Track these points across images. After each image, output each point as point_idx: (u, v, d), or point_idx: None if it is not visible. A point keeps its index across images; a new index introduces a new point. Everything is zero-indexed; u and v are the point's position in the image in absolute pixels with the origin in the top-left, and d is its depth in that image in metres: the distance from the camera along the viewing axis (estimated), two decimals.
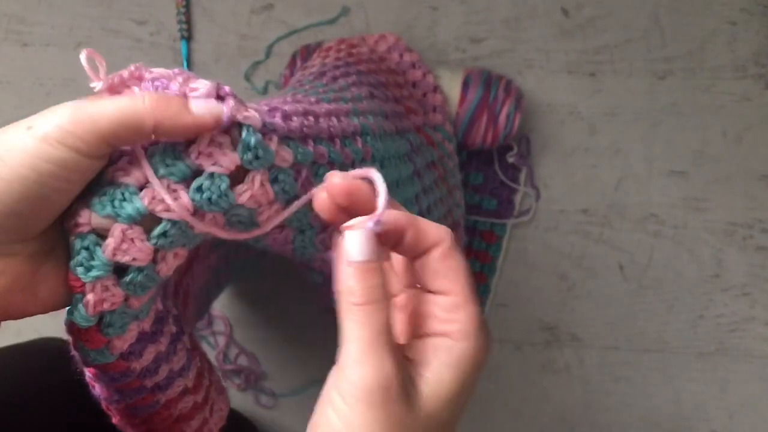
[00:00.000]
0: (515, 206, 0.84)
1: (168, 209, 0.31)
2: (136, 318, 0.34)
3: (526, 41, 0.83)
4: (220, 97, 0.31)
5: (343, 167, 0.41)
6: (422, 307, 0.31)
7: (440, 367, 0.30)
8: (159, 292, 0.38)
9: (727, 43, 0.82)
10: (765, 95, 0.82)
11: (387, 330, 0.29)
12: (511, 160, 0.82)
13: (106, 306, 0.32)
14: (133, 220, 0.31)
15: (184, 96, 0.30)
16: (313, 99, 0.47)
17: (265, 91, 0.84)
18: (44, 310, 0.32)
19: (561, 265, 0.84)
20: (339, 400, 0.28)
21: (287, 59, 0.80)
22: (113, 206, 0.30)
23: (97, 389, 0.38)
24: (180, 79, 0.31)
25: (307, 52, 0.77)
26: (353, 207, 0.31)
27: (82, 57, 0.30)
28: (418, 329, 0.31)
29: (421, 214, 0.61)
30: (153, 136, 0.30)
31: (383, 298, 0.29)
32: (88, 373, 0.37)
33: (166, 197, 0.31)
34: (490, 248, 0.84)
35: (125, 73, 0.31)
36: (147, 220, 0.31)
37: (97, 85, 0.30)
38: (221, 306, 0.85)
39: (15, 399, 0.61)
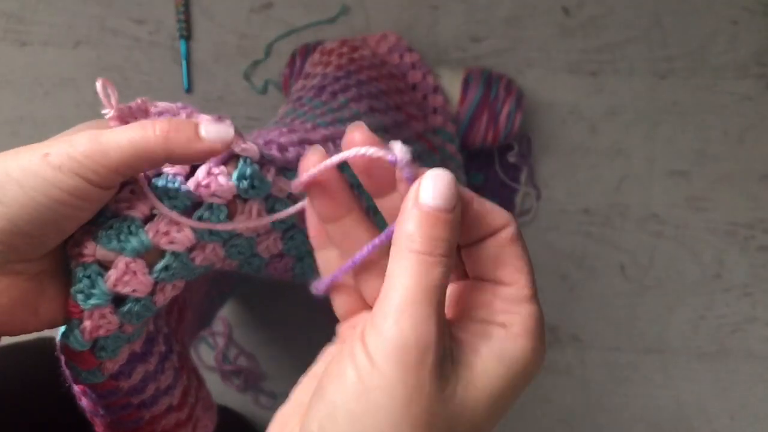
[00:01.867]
0: (516, 206, 0.84)
1: (172, 242, 0.32)
2: (128, 341, 0.35)
3: (526, 40, 0.83)
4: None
5: None
6: (476, 295, 0.27)
7: (490, 358, 0.25)
8: (152, 315, 0.38)
9: (729, 43, 0.82)
10: (766, 95, 0.82)
11: (442, 291, 0.25)
12: (511, 159, 0.82)
13: (101, 332, 0.33)
14: (138, 254, 0.32)
15: (194, 121, 0.30)
16: (309, 126, 0.48)
17: (264, 90, 0.84)
18: (42, 328, 0.32)
19: (562, 266, 0.84)
20: (362, 355, 0.24)
21: (287, 58, 0.79)
22: (119, 240, 0.31)
23: (84, 402, 0.39)
24: (183, 114, 0.33)
25: (306, 51, 0.77)
26: (370, 177, 0.28)
27: (98, 86, 0.31)
28: (469, 312, 0.27)
29: None
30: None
31: (447, 255, 0.25)
32: (76, 388, 0.37)
33: (173, 229, 0.32)
34: None
35: (133, 105, 0.32)
36: (150, 254, 0.32)
37: (109, 112, 0.31)
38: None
39: (15, 398, 0.61)
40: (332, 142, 0.45)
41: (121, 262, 0.31)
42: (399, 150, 0.26)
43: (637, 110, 0.83)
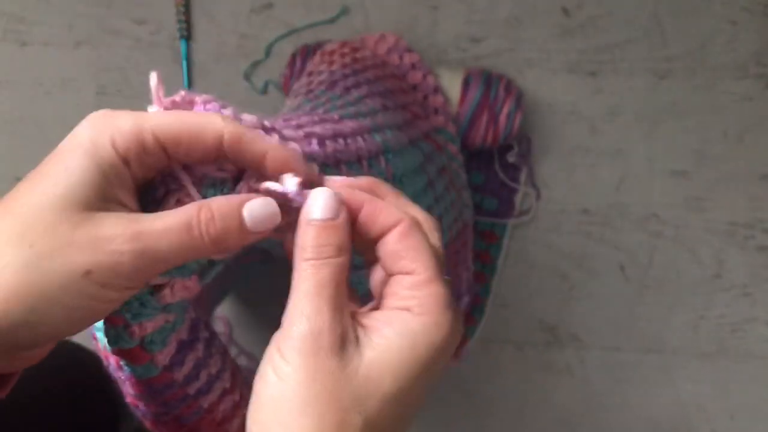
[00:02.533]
0: (516, 206, 0.84)
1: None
2: (173, 330, 0.35)
3: (526, 41, 0.83)
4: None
5: None
6: (388, 288, 0.30)
7: (391, 335, 0.28)
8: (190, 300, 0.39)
9: (728, 43, 0.82)
10: (766, 95, 0.82)
11: (333, 285, 0.28)
12: (511, 159, 0.82)
13: (149, 330, 0.33)
14: (194, 272, 0.32)
15: (240, 209, 0.29)
16: (336, 116, 0.48)
17: (264, 90, 0.84)
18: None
19: (561, 266, 0.84)
20: (276, 354, 0.28)
21: (287, 59, 0.79)
22: (177, 268, 0.31)
23: (142, 408, 0.39)
24: (228, 112, 0.32)
25: (306, 52, 0.77)
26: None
27: (152, 79, 0.32)
28: (382, 303, 0.30)
29: None
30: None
31: (336, 255, 0.29)
32: (131, 392, 0.38)
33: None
34: (490, 248, 0.84)
35: (178, 99, 0.32)
36: (202, 266, 0.32)
37: (153, 108, 0.31)
38: (221, 307, 0.84)
39: (15, 399, 0.61)
40: (361, 137, 0.46)
41: (177, 284, 0.31)
42: (288, 183, 0.30)
43: (636, 110, 0.83)
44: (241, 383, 0.47)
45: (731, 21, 0.82)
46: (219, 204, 0.29)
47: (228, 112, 0.32)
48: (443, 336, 0.28)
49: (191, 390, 0.39)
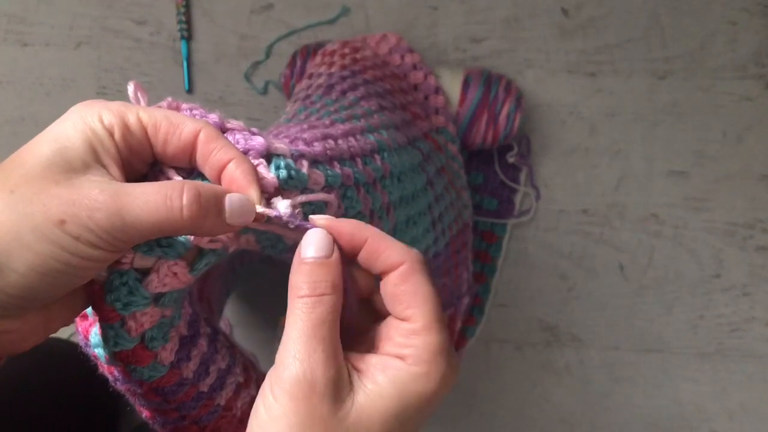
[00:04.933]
0: (515, 206, 0.84)
1: (214, 240, 0.32)
2: (172, 325, 0.35)
3: (526, 41, 0.83)
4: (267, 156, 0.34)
5: (368, 186, 0.44)
6: (384, 330, 0.31)
7: (383, 382, 0.29)
8: (186, 294, 0.38)
9: (728, 43, 0.82)
10: (765, 95, 0.82)
11: (327, 325, 0.29)
12: (511, 160, 0.82)
13: (147, 325, 0.33)
14: (180, 256, 0.32)
15: (223, 196, 0.30)
16: (327, 121, 0.49)
17: (264, 91, 0.84)
18: (52, 333, 0.32)
19: (561, 265, 0.84)
20: (270, 395, 0.28)
21: (287, 59, 0.80)
22: (160, 245, 0.31)
23: (159, 420, 0.39)
24: (196, 114, 0.33)
25: (307, 52, 0.77)
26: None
27: (130, 89, 0.32)
28: (376, 346, 0.31)
29: (433, 222, 0.63)
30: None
31: (329, 292, 0.29)
32: (145, 404, 0.37)
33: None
34: (490, 248, 0.84)
35: (164, 105, 0.33)
36: (190, 253, 0.32)
37: None
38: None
39: (15, 398, 0.61)
40: (353, 137, 0.47)
41: (163, 266, 0.31)
42: (281, 206, 0.31)
43: (636, 111, 0.83)
44: (256, 377, 0.46)
45: (731, 21, 0.82)
46: (205, 186, 0.30)
47: (214, 117, 0.33)
48: (433, 387, 0.29)
49: (203, 387, 0.39)
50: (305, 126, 0.45)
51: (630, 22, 0.83)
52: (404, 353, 0.29)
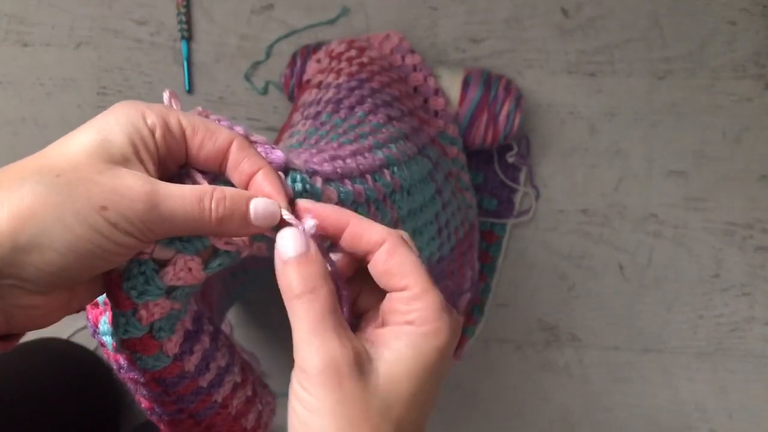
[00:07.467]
0: (515, 206, 0.84)
1: (229, 242, 0.34)
2: (179, 318, 0.37)
3: (526, 41, 0.83)
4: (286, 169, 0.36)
5: (378, 203, 0.46)
6: (387, 304, 0.32)
7: (400, 347, 0.31)
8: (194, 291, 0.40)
9: (727, 43, 0.82)
10: (765, 95, 0.82)
11: (330, 313, 0.30)
12: (511, 159, 0.82)
13: (157, 316, 0.34)
14: (197, 252, 0.33)
15: (248, 200, 0.32)
16: (335, 144, 0.52)
17: (265, 91, 0.84)
18: (73, 312, 0.34)
19: (561, 265, 0.84)
20: (300, 389, 0.30)
21: (287, 59, 0.80)
22: (180, 240, 0.33)
23: (157, 410, 0.40)
24: (225, 124, 0.35)
25: (307, 53, 0.77)
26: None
27: (165, 96, 0.35)
28: (385, 319, 0.33)
29: (439, 229, 0.64)
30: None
31: (321, 284, 0.31)
32: (145, 393, 0.39)
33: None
34: (490, 248, 0.84)
35: (195, 112, 0.35)
36: (206, 251, 0.34)
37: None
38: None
39: (15, 398, 0.61)
40: (361, 155, 0.49)
41: (180, 260, 0.33)
42: (307, 224, 0.32)
43: (635, 111, 0.83)
44: (253, 379, 0.48)
45: (731, 21, 0.82)
46: (232, 190, 0.32)
47: (240, 129, 0.35)
48: (444, 339, 0.31)
49: (203, 382, 0.41)
50: (314, 151, 0.48)
51: (630, 22, 0.83)
52: (411, 318, 0.31)
